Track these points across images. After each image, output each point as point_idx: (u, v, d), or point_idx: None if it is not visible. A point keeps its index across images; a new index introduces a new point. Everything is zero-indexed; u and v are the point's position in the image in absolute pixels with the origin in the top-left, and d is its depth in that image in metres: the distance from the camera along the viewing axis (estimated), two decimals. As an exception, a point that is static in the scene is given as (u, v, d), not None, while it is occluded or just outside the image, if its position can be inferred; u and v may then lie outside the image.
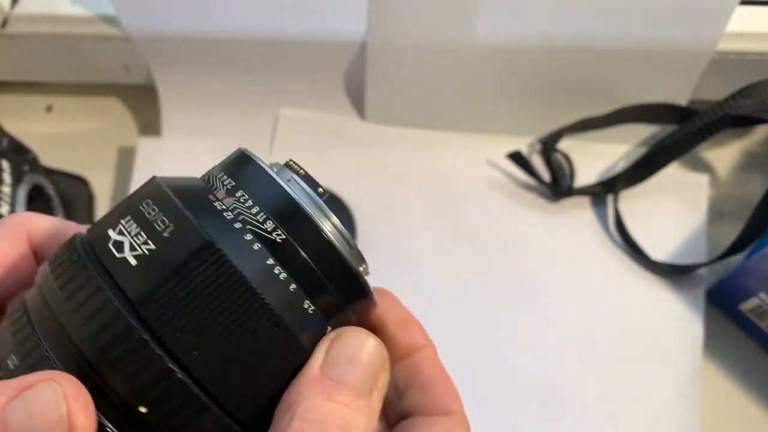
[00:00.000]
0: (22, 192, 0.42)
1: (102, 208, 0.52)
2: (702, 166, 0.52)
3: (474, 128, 0.52)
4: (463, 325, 0.46)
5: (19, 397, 0.17)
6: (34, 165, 0.45)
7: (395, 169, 0.51)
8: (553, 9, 0.44)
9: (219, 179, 0.21)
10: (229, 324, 0.18)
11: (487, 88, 0.50)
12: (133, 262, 0.19)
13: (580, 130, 0.51)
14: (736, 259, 0.46)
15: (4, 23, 0.50)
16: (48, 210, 0.46)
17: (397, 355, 0.25)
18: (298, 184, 0.21)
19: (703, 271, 0.47)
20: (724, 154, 0.53)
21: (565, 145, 0.51)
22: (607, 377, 0.45)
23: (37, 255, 0.24)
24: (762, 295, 0.43)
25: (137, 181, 0.51)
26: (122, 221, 0.19)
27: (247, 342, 0.19)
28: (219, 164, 0.22)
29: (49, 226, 0.24)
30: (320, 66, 0.50)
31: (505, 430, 0.44)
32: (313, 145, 0.52)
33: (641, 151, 0.50)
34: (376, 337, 0.21)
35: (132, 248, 0.19)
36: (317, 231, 0.20)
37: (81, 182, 0.50)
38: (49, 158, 0.49)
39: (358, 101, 0.52)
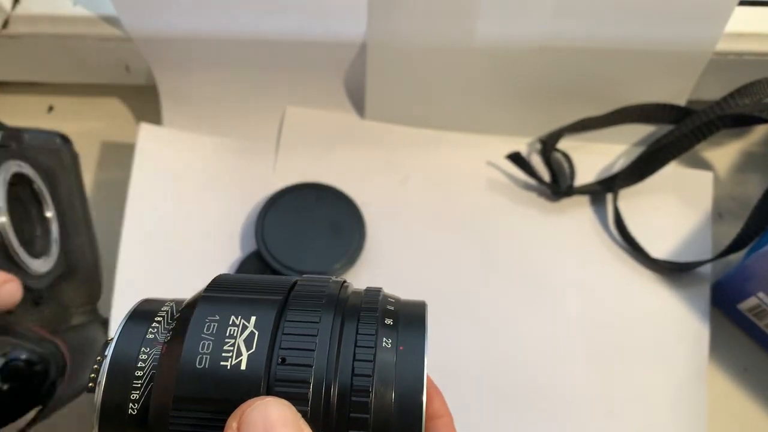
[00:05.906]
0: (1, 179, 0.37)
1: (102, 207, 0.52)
2: (701, 166, 0.52)
3: (474, 128, 0.52)
4: (465, 323, 0.46)
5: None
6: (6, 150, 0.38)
7: (400, 169, 0.51)
8: (552, 9, 0.44)
9: None
10: None
11: (487, 89, 0.50)
12: None
13: (579, 130, 0.51)
14: (735, 258, 0.46)
15: (6, 24, 0.50)
16: (33, 194, 0.40)
17: None
18: None
19: (707, 267, 0.47)
20: (722, 154, 0.53)
21: (564, 144, 0.51)
22: (610, 375, 0.45)
23: None
24: (761, 294, 0.43)
25: (137, 170, 0.49)
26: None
27: None
28: None
29: None
30: (320, 67, 0.50)
31: (506, 426, 0.44)
32: (319, 144, 0.52)
33: (640, 151, 0.50)
34: (279, 400, 0.20)
35: None
36: None
37: (60, 144, 0.42)
38: (50, 158, 0.49)
39: (358, 102, 0.52)
